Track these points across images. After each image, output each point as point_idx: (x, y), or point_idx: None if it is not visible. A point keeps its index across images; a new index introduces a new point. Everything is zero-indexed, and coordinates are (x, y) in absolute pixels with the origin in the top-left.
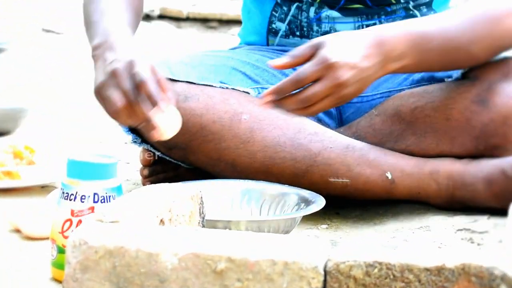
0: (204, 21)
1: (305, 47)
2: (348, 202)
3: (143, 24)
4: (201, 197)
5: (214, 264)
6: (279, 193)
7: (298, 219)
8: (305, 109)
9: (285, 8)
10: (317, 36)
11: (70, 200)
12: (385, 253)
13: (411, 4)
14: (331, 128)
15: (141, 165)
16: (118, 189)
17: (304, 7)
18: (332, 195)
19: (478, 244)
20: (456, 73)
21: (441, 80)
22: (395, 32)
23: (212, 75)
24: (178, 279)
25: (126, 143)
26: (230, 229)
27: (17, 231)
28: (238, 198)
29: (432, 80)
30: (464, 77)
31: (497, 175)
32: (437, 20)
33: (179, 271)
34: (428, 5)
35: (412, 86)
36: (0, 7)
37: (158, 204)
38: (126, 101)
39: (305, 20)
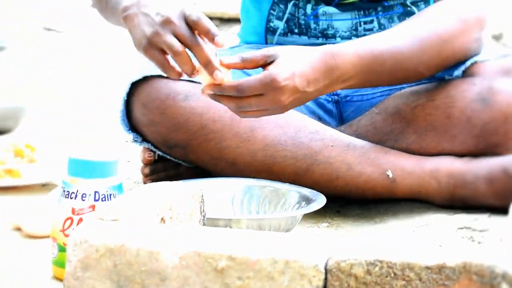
0: None
1: (259, 53)
2: (349, 201)
3: None
4: (202, 196)
5: (215, 262)
6: (280, 192)
7: (299, 217)
8: (237, 112)
9: (282, 6)
10: (315, 33)
11: (71, 198)
12: (386, 251)
13: (409, 0)
14: (332, 127)
15: (142, 164)
16: (119, 188)
17: (301, 4)
18: (333, 193)
19: (479, 243)
20: (457, 72)
21: (441, 78)
22: (347, 57)
23: None
24: (179, 277)
25: (127, 141)
26: (231, 227)
27: (18, 229)
28: (239, 196)
29: (432, 79)
30: (464, 75)
31: (498, 174)
32: (390, 40)
33: (180, 269)
34: (426, 2)
35: (412, 84)
36: (0, 7)
37: (159, 202)
38: (186, 45)
39: (303, 17)
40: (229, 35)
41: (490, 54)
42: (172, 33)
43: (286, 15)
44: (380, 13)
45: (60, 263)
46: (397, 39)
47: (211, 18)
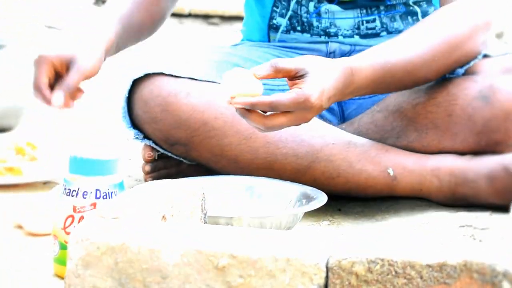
0: (205, 17)
1: (293, 66)
2: (350, 199)
3: None
4: (203, 193)
5: (216, 260)
6: (281, 190)
7: (300, 215)
8: (261, 130)
9: (285, 4)
10: (318, 31)
11: (72, 196)
12: (387, 249)
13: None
14: (333, 125)
15: (143, 161)
16: (120, 185)
17: (304, 1)
18: (333, 191)
19: (480, 241)
20: (459, 70)
21: (443, 76)
22: (363, 73)
23: (214, 71)
24: (180, 275)
25: (128, 139)
26: (232, 225)
27: (19, 227)
28: (240, 194)
29: None
30: (466, 73)
31: (499, 172)
32: (402, 51)
33: (181, 267)
34: (428, 1)
35: None
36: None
37: (160, 200)
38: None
39: (305, 15)
40: (230, 33)
41: (493, 51)
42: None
43: (289, 13)
44: (383, 12)
45: (61, 261)
46: (410, 49)
47: (212, 16)
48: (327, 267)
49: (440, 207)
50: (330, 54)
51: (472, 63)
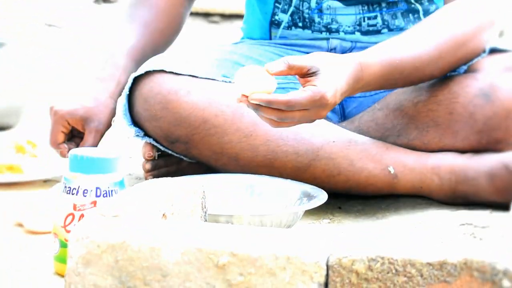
0: (206, 15)
1: (305, 63)
2: (350, 197)
3: None
4: (204, 191)
5: (216, 258)
6: (282, 188)
7: (300, 213)
8: (276, 123)
9: None
10: (319, 28)
11: (73, 194)
12: (387, 247)
13: None
14: (334, 123)
15: (143, 160)
16: (121, 183)
17: None
18: (334, 189)
19: (480, 239)
20: (461, 68)
21: None
22: (372, 69)
23: (215, 69)
24: (181, 273)
25: (128, 137)
26: (232, 223)
27: (19, 225)
28: (241, 192)
29: None
30: (467, 70)
31: (499, 170)
32: (411, 47)
33: (181, 265)
34: None
35: None
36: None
37: (161, 198)
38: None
39: (307, 10)
40: (230, 31)
41: (499, 45)
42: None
43: (291, 8)
44: (384, 9)
45: (61, 259)
46: (417, 46)
47: (212, 15)
48: (327, 265)
49: (441, 205)
50: (331, 51)
51: (474, 61)
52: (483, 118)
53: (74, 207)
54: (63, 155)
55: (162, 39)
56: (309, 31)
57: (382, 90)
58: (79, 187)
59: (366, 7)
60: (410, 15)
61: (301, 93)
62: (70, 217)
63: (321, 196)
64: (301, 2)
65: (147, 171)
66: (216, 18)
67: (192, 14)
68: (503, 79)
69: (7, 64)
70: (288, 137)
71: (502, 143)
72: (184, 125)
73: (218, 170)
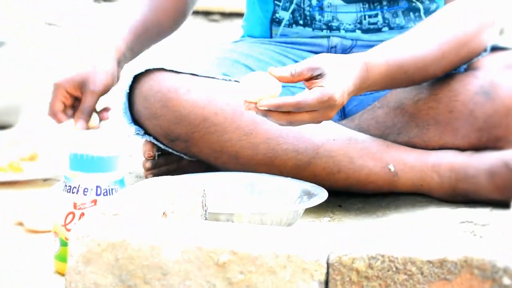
0: (206, 14)
1: (304, 67)
2: (351, 195)
3: None
4: (204, 190)
5: (216, 257)
6: (282, 186)
7: (300, 211)
8: (283, 124)
9: None
10: (320, 25)
11: (73, 193)
12: (387, 245)
13: None
14: (334, 121)
15: (143, 158)
16: (121, 182)
17: None
18: (334, 187)
19: (481, 237)
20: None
21: None
22: (378, 69)
23: (215, 67)
24: (181, 271)
25: (128, 135)
26: (232, 222)
27: (20, 224)
28: (241, 190)
29: None
30: (467, 68)
31: (499, 167)
32: (415, 47)
33: (181, 263)
34: None
35: None
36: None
37: (161, 197)
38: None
39: (308, 8)
40: (230, 29)
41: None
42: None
43: (293, 6)
44: (385, 7)
45: (62, 258)
46: (421, 45)
47: (212, 13)
48: (327, 263)
49: (441, 203)
50: (332, 49)
51: (475, 59)
52: (484, 116)
53: (75, 206)
54: (59, 121)
55: (165, 18)
56: (310, 29)
57: None
58: (79, 185)
59: (367, 5)
60: (411, 13)
61: (309, 94)
62: (71, 216)
63: (321, 194)
64: (302, 0)
65: (147, 170)
66: (216, 17)
67: (192, 12)
68: (504, 77)
69: (7, 63)
70: (288, 135)
71: (503, 141)
72: (184, 123)
73: (218, 169)
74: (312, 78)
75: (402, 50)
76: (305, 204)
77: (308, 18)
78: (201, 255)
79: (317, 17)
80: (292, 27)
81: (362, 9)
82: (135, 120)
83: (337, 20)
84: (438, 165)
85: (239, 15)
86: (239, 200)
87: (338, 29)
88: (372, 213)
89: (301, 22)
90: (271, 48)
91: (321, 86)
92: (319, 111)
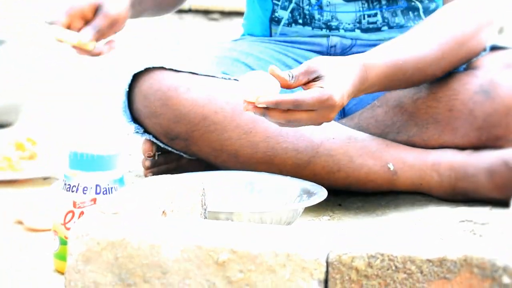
0: (206, 13)
1: (302, 70)
2: (350, 194)
3: None
4: (203, 189)
5: (216, 255)
6: (281, 185)
7: (300, 210)
8: (281, 124)
9: None
10: (319, 24)
11: (72, 191)
12: (387, 244)
13: None
14: (334, 120)
15: (143, 157)
16: (120, 181)
17: None
18: (334, 186)
19: (480, 236)
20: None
21: None
22: (376, 70)
23: (215, 66)
24: (180, 270)
25: (128, 133)
26: (232, 220)
27: (19, 223)
28: (240, 189)
29: None
30: (466, 68)
31: (499, 166)
32: (414, 48)
33: (181, 262)
34: None
35: None
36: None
37: (160, 195)
38: None
39: (307, 7)
40: (230, 28)
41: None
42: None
43: (292, 5)
44: (384, 6)
45: (61, 256)
46: (420, 46)
47: (212, 12)
48: (327, 262)
49: (440, 202)
50: (331, 48)
51: (474, 59)
52: (483, 115)
53: (74, 205)
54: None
55: None
56: (309, 28)
57: None
58: (78, 184)
59: (366, 4)
60: (410, 12)
61: (308, 93)
62: (70, 215)
63: (321, 193)
64: None
65: (146, 168)
66: (215, 16)
67: (192, 11)
68: (503, 76)
69: (7, 62)
70: (288, 134)
71: (502, 140)
72: (184, 122)
73: (218, 167)
74: (309, 82)
75: (400, 51)
76: (304, 203)
77: (307, 17)
78: (201, 254)
79: (316, 16)
80: (291, 26)
81: (361, 8)
82: (135, 119)
83: (337, 19)
84: (437, 164)
85: (239, 14)
86: (238, 199)
87: (337, 28)
88: (372, 212)
89: (300, 21)
90: (271, 47)
91: (321, 87)
92: (318, 112)
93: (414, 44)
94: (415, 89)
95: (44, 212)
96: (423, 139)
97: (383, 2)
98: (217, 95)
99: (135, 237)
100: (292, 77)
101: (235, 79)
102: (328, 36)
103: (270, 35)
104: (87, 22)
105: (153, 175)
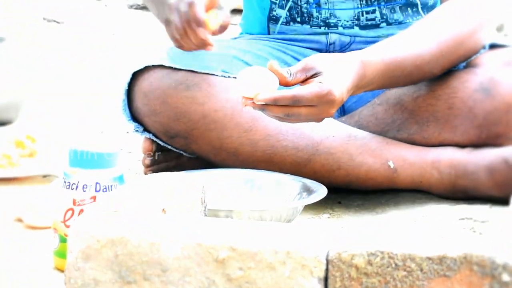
0: None
1: (300, 67)
2: (350, 192)
3: (144, 13)
4: (203, 186)
5: (216, 253)
6: (281, 182)
7: (300, 208)
8: (281, 119)
9: None
10: (317, 22)
11: (72, 189)
12: (387, 242)
13: None
14: (333, 117)
15: (142, 155)
16: (120, 178)
17: None
18: (334, 184)
19: (480, 233)
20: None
21: None
22: (374, 66)
23: (214, 64)
24: (180, 268)
25: (128, 132)
26: (232, 218)
27: (19, 220)
28: (240, 187)
29: None
30: (466, 66)
31: (499, 164)
32: (412, 45)
33: (181, 260)
34: None
35: None
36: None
37: (160, 193)
38: (177, 27)
39: (305, 5)
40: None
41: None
42: (177, 10)
43: (289, 3)
44: (382, 3)
45: (61, 254)
46: (418, 44)
47: None
48: (327, 260)
49: (440, 199)
50: (330, 46)
51: (473, 57)
52: (483, 113)
53: (74, 202)
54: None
55: None
56: (308, 26)
57: None
58: (78, 182)
59: (364, 1)
60: (409, 9)
61: (306, 88)
62: (70, 212)
63: (321, 191)
64: None
65: (146, 166)
66: None
67: None
68: (503, 73)
69: (7, 60)
70: (288, 132)
71: (502, 138)
72: (184, 120)
73: (218, 165)
74: (308, 79)
75: (399, 48)
76: (304, 201)
77: (305, 15)
78: (201, 251)
79: (315, 14)
80: (289, 24)
81: (359, 5)
82: (135, 117)
83: (335, 16)
84: (437, 162)
85: (237, 11)
86: (238, 197)
87: (336, 26)
88: (372, 209)
89: (298, 19)
90: (269, 45)
91: (320, 82)
92: (318, 107)
93: (413, 42)
94: (415, 87)
95: (44, 210)
96: (423, 137)
97: None
98: (217, 93)
99: (135, 235)
100: (291, 74)
101: (234, 77)
102: (326, 34)
103: (268, 34)
104: None
105: (153, 173)
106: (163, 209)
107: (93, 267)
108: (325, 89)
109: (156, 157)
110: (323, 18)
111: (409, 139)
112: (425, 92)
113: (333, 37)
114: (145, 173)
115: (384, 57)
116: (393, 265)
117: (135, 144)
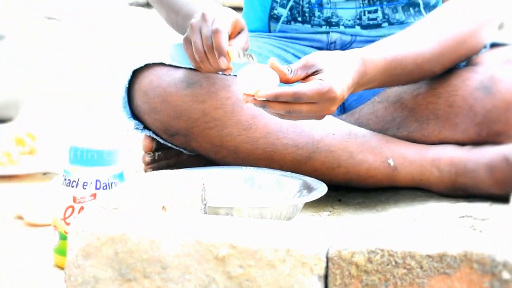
0: None
1: (300, 65)
2: (350, 189)
3: (144, 11)
4: (203, 184)
5: (216, 250)
6: (281, 180)
7: (300, 206)
8: (282, 115)
9: None
10: (319, 22)
11: (72, 186)
12: (387, 239)
13: None
14: (334, 115)
15: (143, 152)
16: (120, 176)
17: None
18: (334, 182)
19: (480, 231)
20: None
21: None
22: (375, 63)
23: None
24: (180, 265)
25: (128, 129)
26: (232, 215)
27: (19, 218)
28: (240, 184)
29: None
30: (467, 64)
31: (499, 162)
32: (413, 44)
33: (181, 257)
34: None
35: None
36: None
37: (160, 191)
38: (198, 50)
39: (307, 5)
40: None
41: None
42: (201, 32)
43: (290, 3)
44: (384, 2)
45: (61, 251)
46: (420, 42)
47: None
48: (327, 258)
49: (440, 197)
50: (331, 45)
51: (474, 57)
52: (483, 111)
53: (74, 200)
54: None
55: None
56: (309, 26)
57: None
58: (78, 179)
59: (366, 1)
60: (411, 8)
61: (307, 85)
62: (70, 210)
63: (321, 189)
64: None
65: (146, 164)
66: None
67: None
68: (504, 72)
69: (7, 57)
70: (288, 130)
71: (502, 136)
72: (184, 117)
73: (218, 163)
74: (308, 76)
75: (400, 47)
76: (304, 198)
77: (307, 14)
78: (201, 249)
79: (316, 13)
80: (290, 24)
81: (361, 5)
82: (135, 115)
83: (337, 16)
84: (437, 160)
85: (238, 9)
86: (238, 194)
87: (337, 25)
88: (372, 207)
89: (299, 19)
90: (270, 42)
91: (321, 79)
92: (319, 104)
93: (414, 40)
94: (415, 85)
95: (44, 208)
96: (423, 135)
97: None
98: (217, 91)
99: (135, 232)
100: (291, 71)
101: (234, 75)
102: (328, 33)
103: (269, 32)
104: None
105: (153, 170)
106: (163, 207)
107: (93, 265)
108: (326, 87)
109: (156, 157)
110: (325, 18)
111: (409, 137)
112: (425, 90)
113: (334, 36)
114: (145, 171)
115: (385, 55)
116: (393, 263)
117: (135, 142)
